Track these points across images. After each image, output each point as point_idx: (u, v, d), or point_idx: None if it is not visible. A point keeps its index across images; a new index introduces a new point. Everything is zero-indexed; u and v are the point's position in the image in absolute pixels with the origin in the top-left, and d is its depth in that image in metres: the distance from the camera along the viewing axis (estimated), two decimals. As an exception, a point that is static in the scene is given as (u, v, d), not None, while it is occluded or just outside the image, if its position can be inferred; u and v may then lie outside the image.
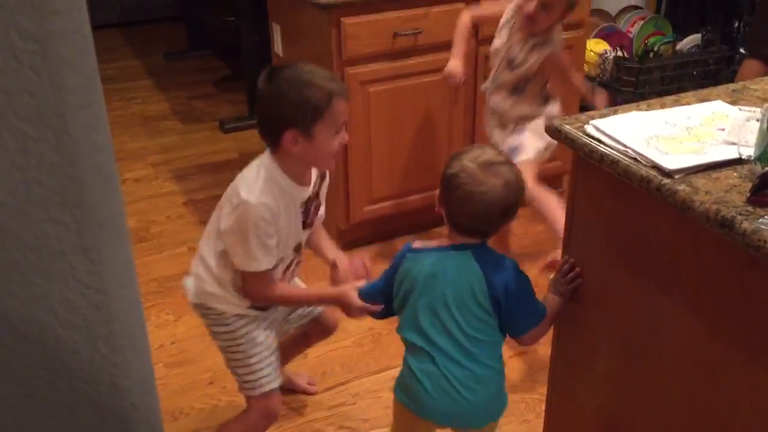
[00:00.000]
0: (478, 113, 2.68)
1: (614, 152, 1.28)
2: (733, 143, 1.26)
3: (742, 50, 3.32)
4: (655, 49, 3.34)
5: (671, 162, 1.21)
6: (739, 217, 1.08)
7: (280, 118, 1.55)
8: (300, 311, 1.91)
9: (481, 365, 1.50)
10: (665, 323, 1.29)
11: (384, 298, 1.61)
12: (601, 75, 3.38)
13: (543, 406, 1.74)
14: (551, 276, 1.55)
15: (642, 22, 3.52)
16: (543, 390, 1.77)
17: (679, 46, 3.40)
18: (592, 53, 3.32)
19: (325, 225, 1.90)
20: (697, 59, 3.34)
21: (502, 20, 2.27)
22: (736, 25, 3.52)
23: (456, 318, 1.47)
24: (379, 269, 1.69)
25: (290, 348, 2.03)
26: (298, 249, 1.74)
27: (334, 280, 1.78)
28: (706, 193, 1.15)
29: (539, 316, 1.51)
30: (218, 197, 1.68)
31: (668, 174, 1.20)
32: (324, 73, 1.60)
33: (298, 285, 1.89)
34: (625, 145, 1.28)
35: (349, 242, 2.72)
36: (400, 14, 2.46)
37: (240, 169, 1.65)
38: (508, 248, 2.59)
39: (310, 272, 2.20)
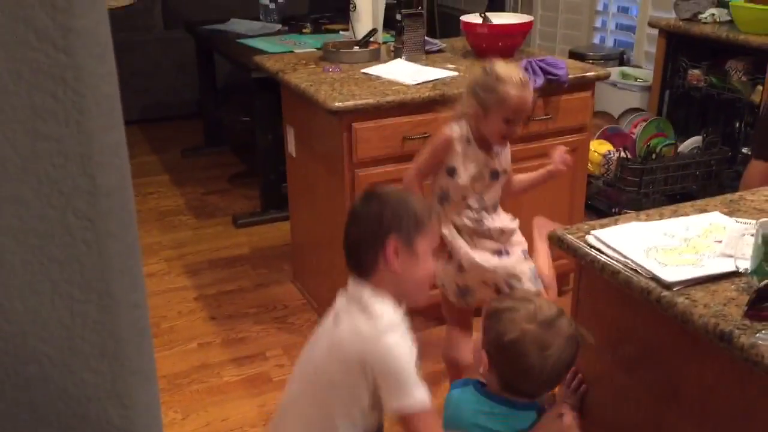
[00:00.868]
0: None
1: (615, 263, 1.32)
2: (730, 256, 1.30)
3: (744, 150, 3.39)
4: (657, 150, 3.43)
5: (670, 274, 1.25)
6: (737, 331, 1.11)
7: (383, 227, 1.45)
8: None
9: None
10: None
11: None
12: (605, 174, 3.46)
13: None
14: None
15: (644, 124, 3.60)
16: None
17: (681, 147, 3.49)
18: (596, 153, 3.41)
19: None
20: (699, 161, 3.42)
21: (453, 160, 2.05)
22: (737, 125, 3.60)
23: None
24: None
25: None
26: None
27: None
28: (705, 306, 1.18)
29: None
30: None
31: (667, 286, 1.23)
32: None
33: None
34: (625, 256, 1.33)
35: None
36: (410, 119, 2.55)
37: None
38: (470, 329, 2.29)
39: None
